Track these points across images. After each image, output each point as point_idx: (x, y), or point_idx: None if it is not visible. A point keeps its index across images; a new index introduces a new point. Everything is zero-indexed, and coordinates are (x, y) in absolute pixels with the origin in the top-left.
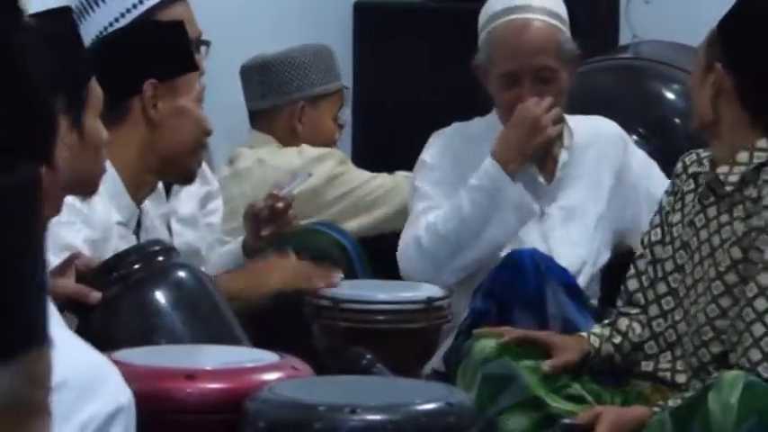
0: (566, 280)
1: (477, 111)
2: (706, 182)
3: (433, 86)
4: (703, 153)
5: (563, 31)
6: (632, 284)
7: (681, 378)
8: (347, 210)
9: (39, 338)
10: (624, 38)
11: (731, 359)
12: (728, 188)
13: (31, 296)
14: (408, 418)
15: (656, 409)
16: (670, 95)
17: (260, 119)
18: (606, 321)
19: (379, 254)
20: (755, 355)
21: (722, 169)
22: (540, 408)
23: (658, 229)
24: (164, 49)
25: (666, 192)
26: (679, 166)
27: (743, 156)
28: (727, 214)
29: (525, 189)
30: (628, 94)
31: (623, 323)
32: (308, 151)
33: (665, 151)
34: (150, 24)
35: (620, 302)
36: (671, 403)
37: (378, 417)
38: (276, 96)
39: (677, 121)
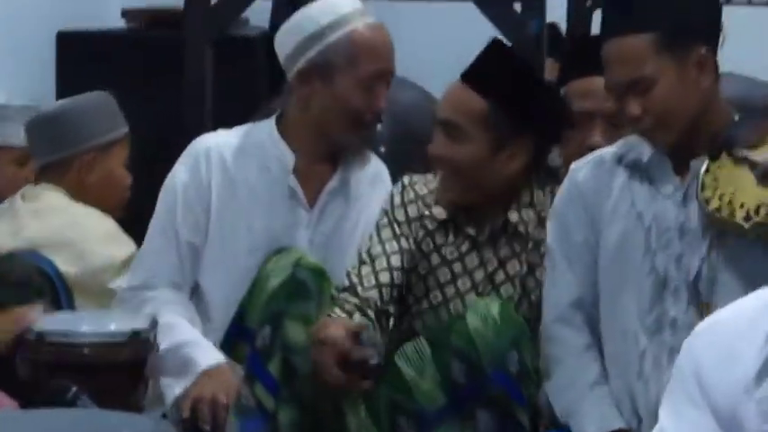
0: None
1: (184, 133)
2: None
3: (138, 112)
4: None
5: None
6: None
7: None
8: None
9: None
10: None
11: None
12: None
13: None
14: None
15: None
16: None
17: (48, 172)
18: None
19: None
20: None
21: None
22: None
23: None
24: None
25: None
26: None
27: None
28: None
29: (282, 217)
30: None
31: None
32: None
33: None
34: None
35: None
36: None
37: None
38: (66, 149)
39: None
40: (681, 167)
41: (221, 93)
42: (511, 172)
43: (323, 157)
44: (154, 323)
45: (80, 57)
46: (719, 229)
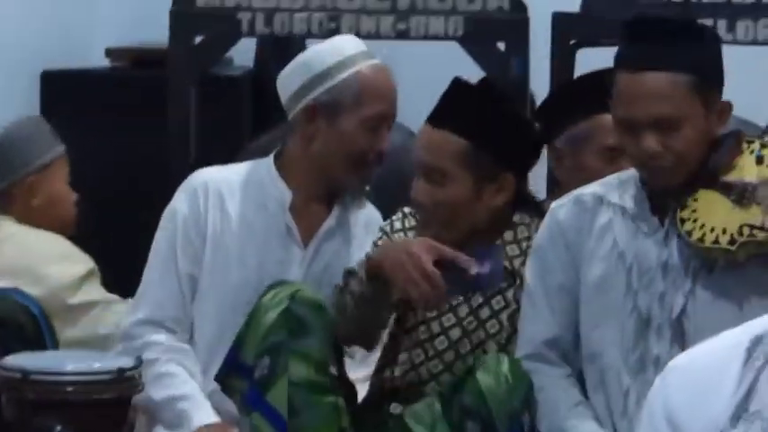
0: None
1: (168, 173)
2: None
3: (122, 151)
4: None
5: None
6: None
7: None
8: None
9: None
10: None
11: None
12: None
13: None
14: None
15: None
16: None
17: None
18: None
19: None
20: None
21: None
22: (324, 372)
23: None
24: None
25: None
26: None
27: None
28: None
29: (274, 254)
30: None
31: None
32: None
33: None
34: None
35: None
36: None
37: None
38: (5, 178)
39: None
40: (661, 207)
41: (205, 132)
42: (498, 205)
43: (320, 197)
44: (139, 361)
45: (64, 96)
46: (706, 260)
